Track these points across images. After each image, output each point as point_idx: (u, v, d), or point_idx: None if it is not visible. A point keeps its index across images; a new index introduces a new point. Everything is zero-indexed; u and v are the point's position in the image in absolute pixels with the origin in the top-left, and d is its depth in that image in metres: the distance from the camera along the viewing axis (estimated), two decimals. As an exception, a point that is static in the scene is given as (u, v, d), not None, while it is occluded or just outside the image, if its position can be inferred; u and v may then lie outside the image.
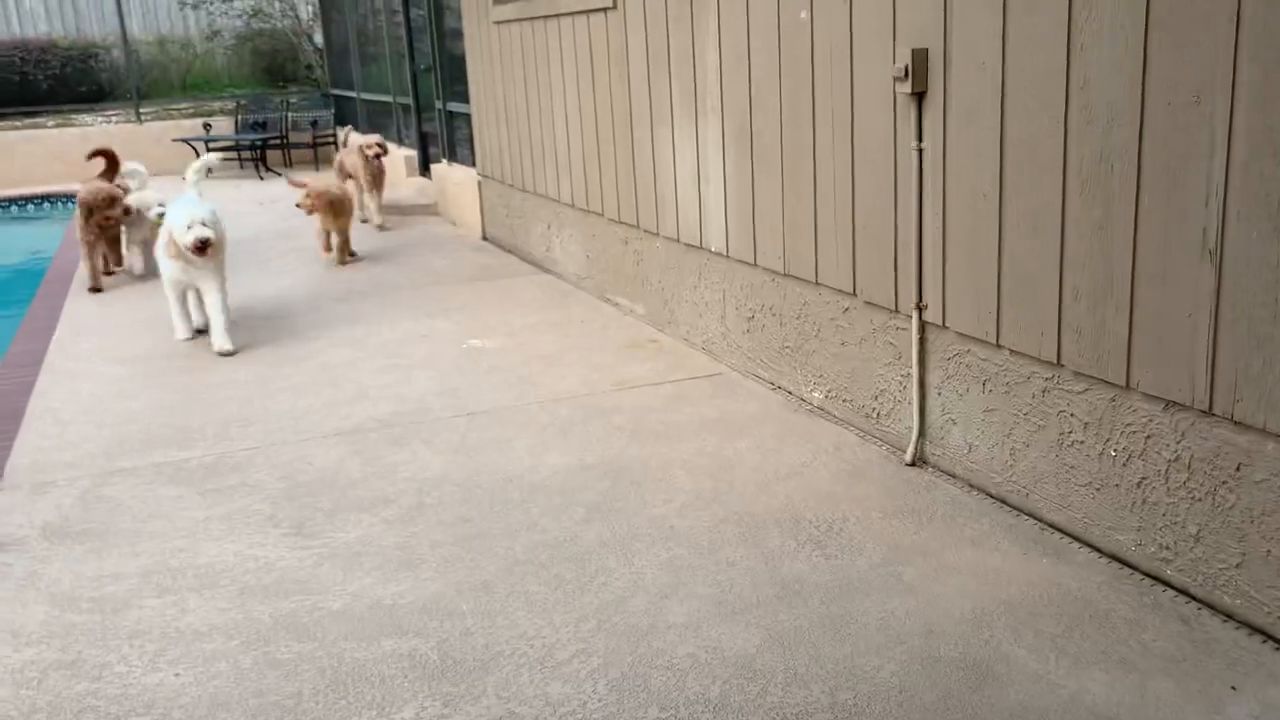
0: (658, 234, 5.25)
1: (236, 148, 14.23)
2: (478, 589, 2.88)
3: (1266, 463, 2.41)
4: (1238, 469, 2.48)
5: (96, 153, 7.57)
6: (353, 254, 7.68)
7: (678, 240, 5.04)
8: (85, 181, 7.29)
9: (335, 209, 7.38)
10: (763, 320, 4.40)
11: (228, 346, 5.28)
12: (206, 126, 14.43)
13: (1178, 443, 2.62)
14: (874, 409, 3.78)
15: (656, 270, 5.35)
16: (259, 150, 13.92)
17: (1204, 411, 2.53)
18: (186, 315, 5.63)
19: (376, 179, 8.96)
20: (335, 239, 7.56)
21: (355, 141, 9.15)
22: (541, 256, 7.06)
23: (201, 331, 5.65)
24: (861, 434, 3.84)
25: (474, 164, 8.32)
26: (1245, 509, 2.48)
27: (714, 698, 2.35)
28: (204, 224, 5.18)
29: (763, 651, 2.52)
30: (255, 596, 2.91)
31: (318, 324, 5.75)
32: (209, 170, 6.15)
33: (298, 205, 7.44)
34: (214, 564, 3.11)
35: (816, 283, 3.98)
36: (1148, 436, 2.70)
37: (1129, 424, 2.75)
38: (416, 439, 4.02)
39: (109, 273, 7.36)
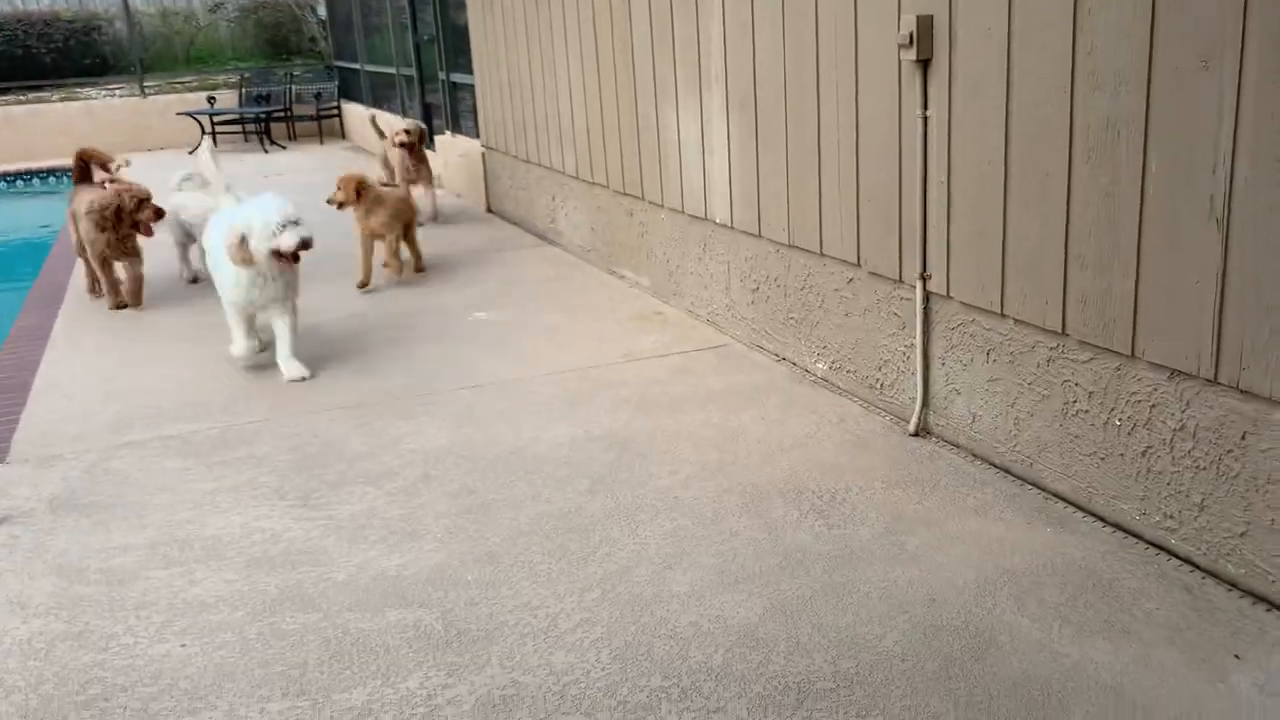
0: (662, 205, 5.23)
1: (241, 121, 14.19)
2: (482, 560, 2.89)
3: (1272, 431, 2.40)
4: (1243, 438, 2.47)
5: (82, 158, 6.12)
6: (420, 268, 6.28)
7: (682, 212, 5.02)
8: (86, 186, 5.96)
9: (379, 207, 5.79)
10: (767, 292, 4.38)
11: (301, 372, 4.43)
12: (211, 100, 14.39)
13: (1183, 412, 2.61)
14: (878, 379, 3.77)
15: (661, 242, 5.33)
16: (263, 123, 13.88)
17: (1209, 380, 2.52)
18: (252, 329, 4.64)
19: (413, 172, 7.53)
20: (390, 246, 5.95)
21: (390, 127, 7.96)
22: (546, 229, 7.04)
23: (264, 349, 4.74)
24: (865, 405, 3.83)
25: (478, 135, 8.28)
26: (1250, 478, 2.47)
27: (716, 666, 2.36)
28: (298, 223, 4.23)
29: (765, 620, 2.53)
30: (261, 568, 2.92)
31: (322, 297, 5.74)
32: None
33: (329, 202, 5.89)
34: (220, 536, 3.12)
35: (821, 253, 3.96)
36: (1153, 406, 2.69)
37: (1134, 393, 2.73)
38: (422, 412, 4.02)
39: (119, 306, 5.83)
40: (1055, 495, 3.04)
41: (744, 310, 4.60)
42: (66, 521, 3.27)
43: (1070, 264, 2.85)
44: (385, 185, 6.36)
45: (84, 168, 6.11)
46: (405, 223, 6.09)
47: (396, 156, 7.65)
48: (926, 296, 3.44)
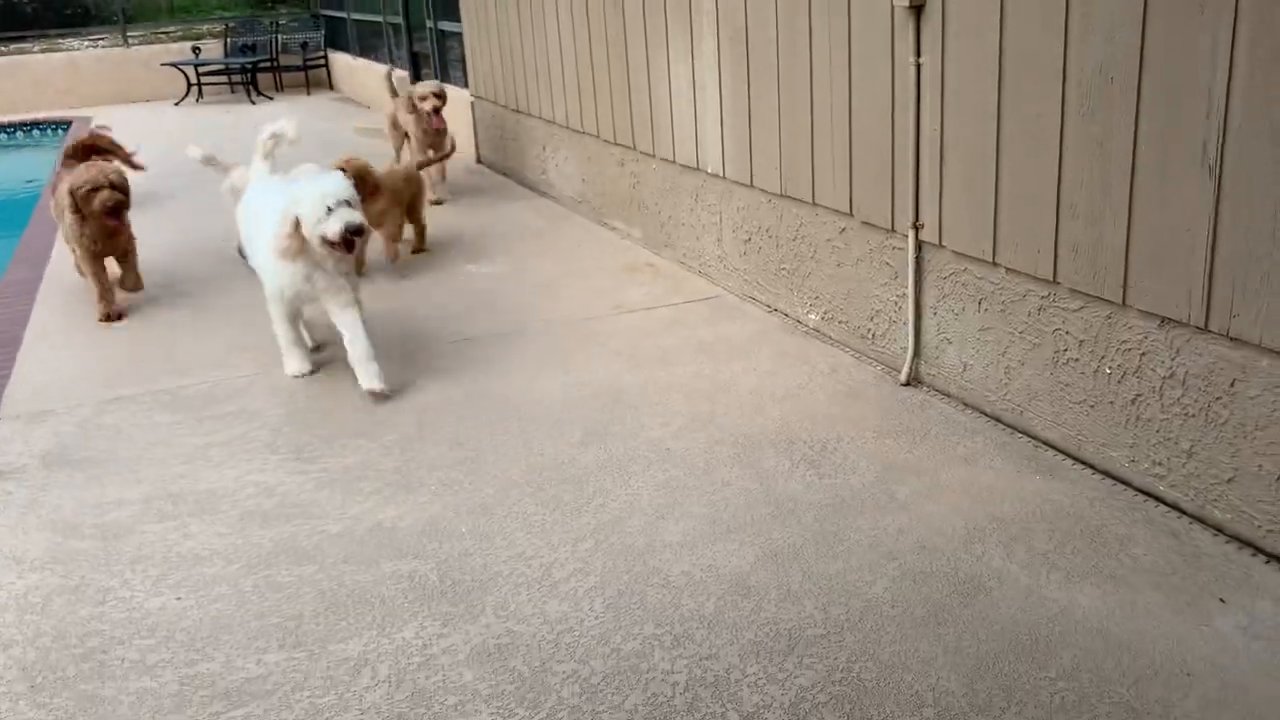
0: (654, 156, 5.19)
1: (226, 71, 14.00)
2: (476, 511, 2.91)
3: (1261, 378, 2.41)
4: (1232, 385, 2.48)
5: (80, 148, 5.15)
6: (422, 248, 5.61)
7: (674, 162, 4.98)
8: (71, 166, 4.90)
9: (375, 196, 5.06)
10: (759, 242, 4.37)
11: (380, 384, 3.70)
12: (195, 50, 14.18)
13: (1172, 359, 2.62)
14: (870, 330, 3.77)
15: (653, 193, 5.29)
16: (249, 74, 13.70)
17: (1199, 328, 2.52)
18: (301, 340, 4.02)
19: (435, 141, 6.53)
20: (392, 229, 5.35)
21: (406, 88, 6.96)
22: (537, 180, 6.98)
23: (318, 349, 4.22)
24: (857, 355, 3.83)
25: (466, 85, 8.18)
26: (1238, 424, 2.48)
27: (709, 614, 2.39)
28: (350, 204, 3.59)
29: (756, 569, 2.55)
30: (255, 521, 2.94)
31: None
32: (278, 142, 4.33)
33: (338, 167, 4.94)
34: (214, 489, 3.13)
35: (813, 203, 3.94)
36: (1143, 353, 2.69)
37: (1124, 341, 2.74)
38: (413, 364, 4.02)
39: (115, 317, 4.80)
40: (1045, 443, 3.06)
41: (736, 261, 4.58)
42: (60, 477, 3.27)
43: (1062, 212, 2.84)
44: (395, 168, 5.57)
45: (88, 154, 5.14)
46: (409, 201, 5.43)
47: (413, 121, 6.63)
48: (919, 246, 3.43)
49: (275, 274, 3.73)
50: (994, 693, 2.09)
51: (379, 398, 3.68)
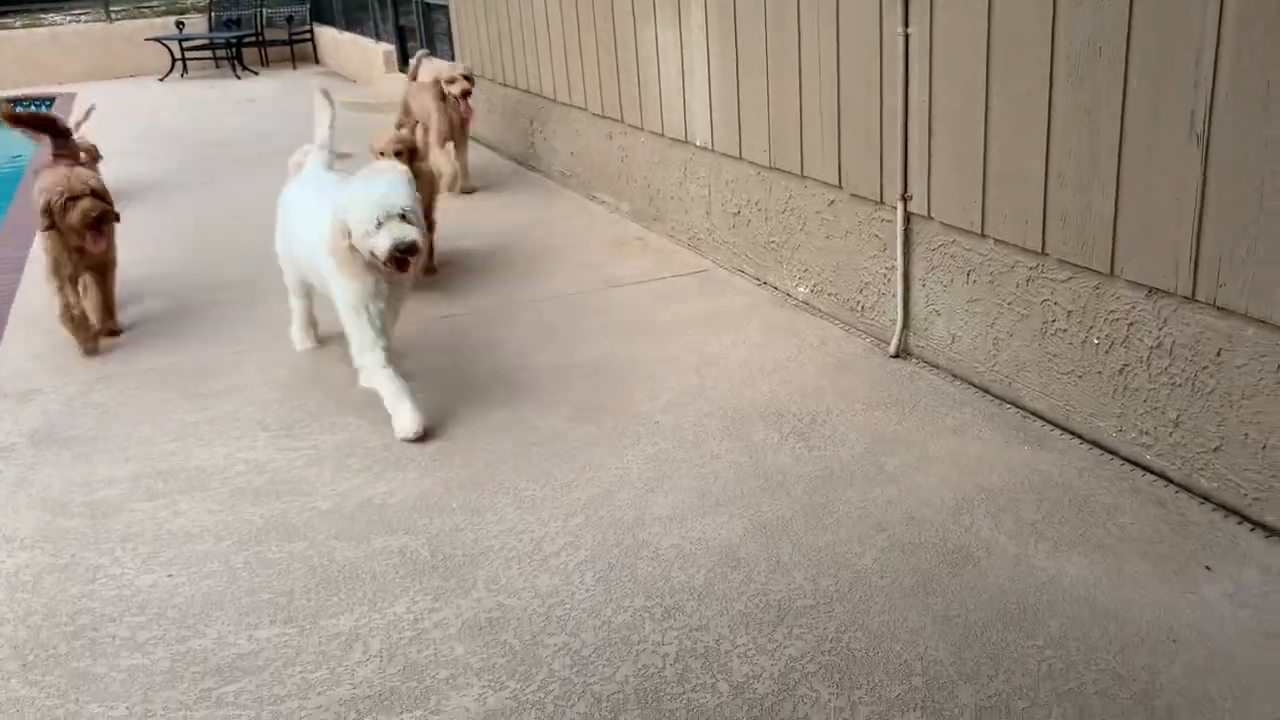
0: (642, 129, 5.16)
1: (211, 46, 13.86)
2: (466, 486, 2.91)
3: (1247, 347, 2.41)
4: (1218, 354, 2.49)
5: (14, 119, 4.40)
6: (429, 269, 4.69)
7: (662, 135, 4.96)
8: (48, 166, 4.11)
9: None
10: (748, 215, 4.35)
11: (413, 427, 3.19)
12: (179, 25, 14.04)
13: (1160, 329, 2.62)
14: (859, 302, 3.77)
15: (642, 166, 5.27)
16: (234, 48, 13.57)
17: (1187, 298, 2.53)
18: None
19: (460, 129, 6.12)
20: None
21: (430, 70, 6.33)
22: (525, 154, 6.95)
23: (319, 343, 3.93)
24: (846, 327, 3.83)
25: (453, 58, 8.12)
26: (1224, 393, 2.49)
27: (699, 586, 2.40)
28: (405, 217, 3.05)
29: (746, 541, 2.56)
30: (246, 498, 2.93)
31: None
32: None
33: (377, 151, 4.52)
34: (204, 467, 3.13)
35: (802, 175, 3.93)
36: (1130, 324, 2.70)
37: (1112, 311, 2.74)
38: (403, 341, 4.01)
39: (106, 334, 4.15)
40: (1033, 414, 3.07)
41: (725, 234, 4.57)
42: (48, 455, 3.26)
43: (1050, 182, 2.83)
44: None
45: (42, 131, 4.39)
46: (424, 206, 4.25)
47: (434, 107, 6.00)
48: (907, 218, 3.43)
49: (345, 285, 3.21)
50: (982, 661, 2.10)
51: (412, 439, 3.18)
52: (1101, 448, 2.86)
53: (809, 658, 2.15)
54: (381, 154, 4.45)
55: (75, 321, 3.99)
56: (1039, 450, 2.89)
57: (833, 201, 3.79)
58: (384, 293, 3.22)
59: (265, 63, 14.16)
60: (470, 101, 6.08)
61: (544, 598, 2.40)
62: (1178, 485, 2.66)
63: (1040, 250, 2.92)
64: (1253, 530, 2.46)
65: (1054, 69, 2.75)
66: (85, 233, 3.86)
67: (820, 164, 3.80)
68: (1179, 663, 2.06)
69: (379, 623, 2.35)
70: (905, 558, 2.46)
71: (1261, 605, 2.21)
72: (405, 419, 3.19)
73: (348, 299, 3.22)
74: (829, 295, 3.93)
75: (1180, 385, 2.60)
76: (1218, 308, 2.46)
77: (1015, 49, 2.86)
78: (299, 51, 14.21)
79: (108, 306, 4.21)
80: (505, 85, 7.03)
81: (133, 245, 5.41)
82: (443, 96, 5.99)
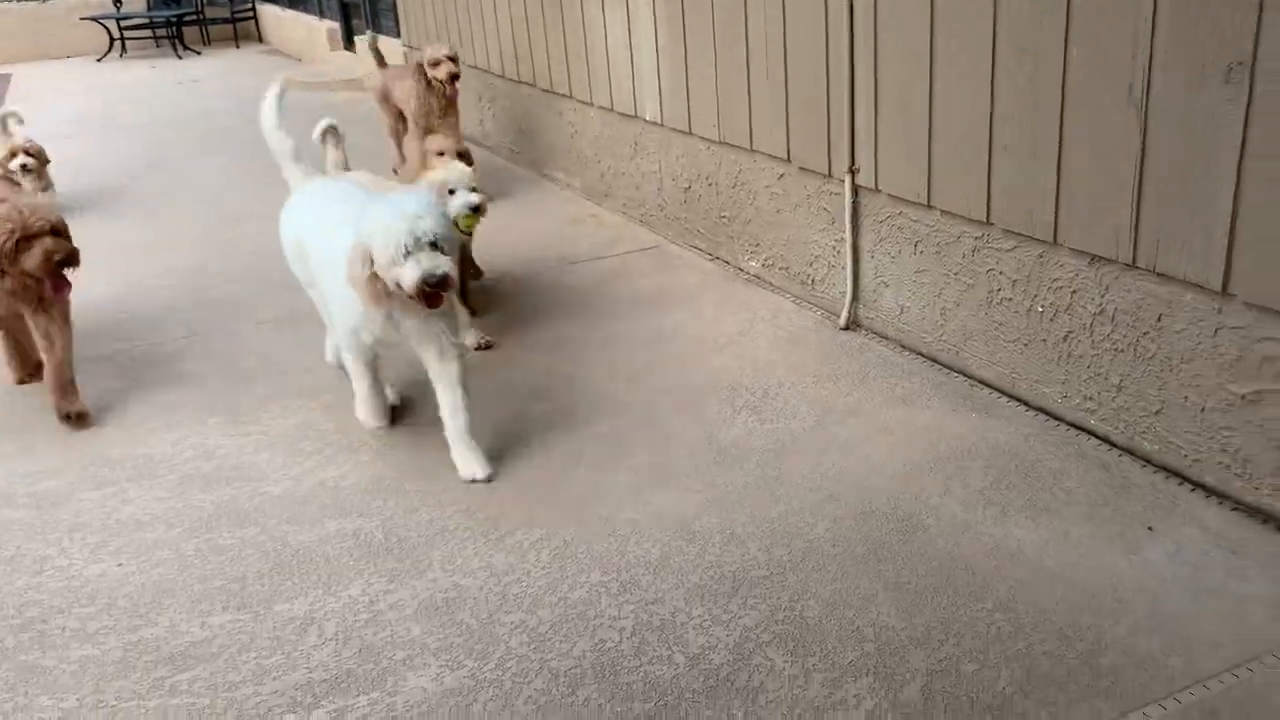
0: (591, 104, 5.13)
1: (150, 25, 13.55)
2: (420, 469, 2.89)
3: (1186, 312, 2.47)
4: (1159, 319, 2.54)
5: None
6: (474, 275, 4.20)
7: (612, 110, 4.94)
8: None
9: None
10: (699, 190, 4.36)
11: (480, 470, 2.82)
12: (117, 4, 13.69)
13: (1102, 296, 2.67)
14: (809, 275, 3.80)
15: (591, 142, 5.24)
16: (174, 27, 13.28)
17: (1128, 265, 2.57)
18: (379, 391, 3.09)
19: (445, 116, 5.46)
20: None
21: (404, 53, 6.11)
22: (474, 131, 6.88)
23: (396, 407, 3.25)
24: (797, 300, 3.86)
25: (399, 35, 8.01)
26: (1165, 358, 2.55)
27: (654, 560, 2.42)
28: (436, 244, 2.60)
29: (701, 514, 2.58)
30: (195, 484, 2.90)
31: (235, 211, 5.58)
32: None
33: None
34: (152, 454, 3.08)
35: (751, 149, 3.93)
36: (1074, 291, 2.74)
37: (1055, 279, 2.79)
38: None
39: (74, 420, 3.26)
40: (981, 382, 3.12)
41: (676, 210, 4.57)
42: (-10, 446, 3.19)
43: (995, 153, 2.86)
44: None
45: None
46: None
47: (414, 93, 5.41)
48: (855, 190, 3.45)
49: (346, 308, 2.82)
50: (932, 625, 2.14)
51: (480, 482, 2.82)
52: (1047, 414, 2.91)
53: (763, 627, 2.17)
54: (441, 154, 4.03)
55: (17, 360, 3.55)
56: (986, 418, 2.94)
57: (782, 175, 3.81)
58: (400, 321, 2.78)
59: (207, 41, 13.89)
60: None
61: (500, 576, 2.40)
62: (1121, 449, 2.72)
63: (985, 220, 2.95)
64: (1193, 491, 2.53)
65: (996, 39, 2.77)
66: (45, 281, 3.15)
67: (769, 138, 3.81)
68: (1123, 622, 2.11)
69: (334, 606, 2.34)
70: (857, 526, 2.49)
71: (1201, 563, 2.27)
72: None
73: (347, 324, 2.87)
74: (780, 269, 3.95)
75: (1123, 351, 2.65)
76: (1158, 274, 2.51)
77: (959, 19, 2.88)
78: (242, 30, 13.94)
79: (58, 366, 3.27)
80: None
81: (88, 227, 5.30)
82: (427, 82, 5.39)
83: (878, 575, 2.31)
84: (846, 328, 3.59)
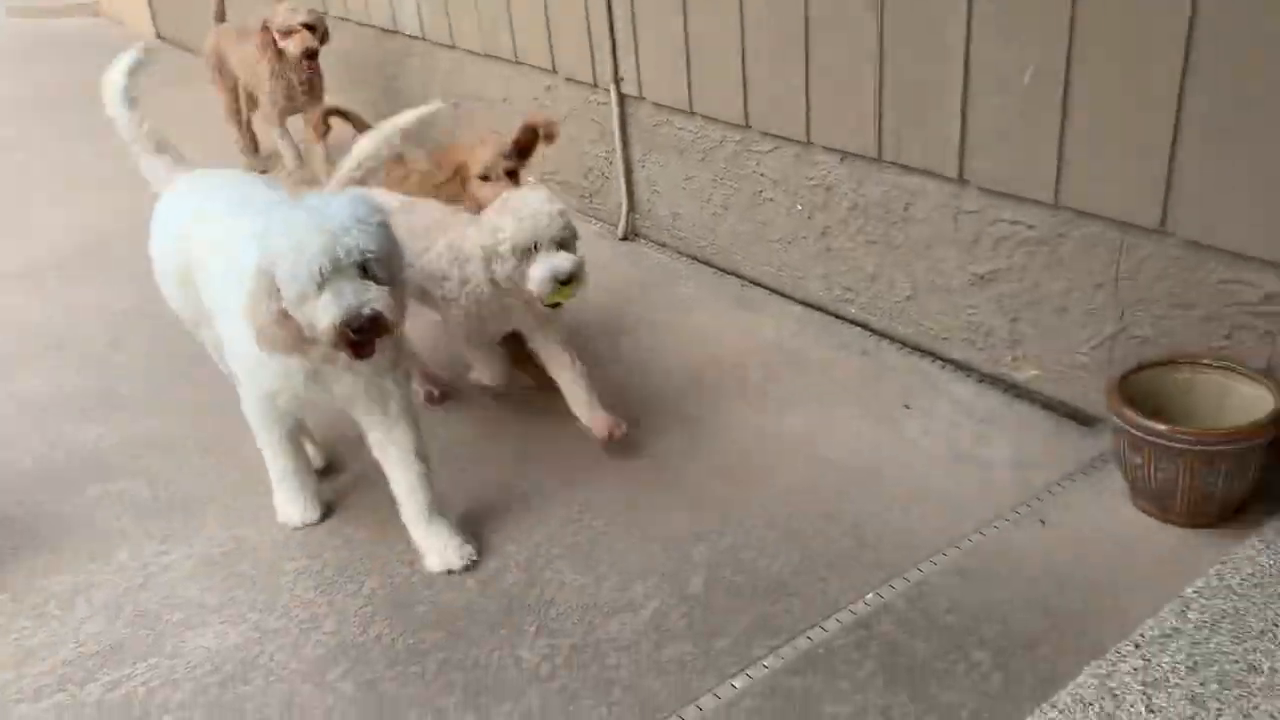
0: (348, 19, 4.88)
1: None
2: (192, 424, 2.74)
3: (928, 200, 2.61)
4: (905, 209, 2.68)
5: None
6: None
7: (369, 25, 4.71)
8: None
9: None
10: (468, 106, 4.24)
11: (458, 558, 2.16)
12: None
13: (855, 191, 2.79)
14: (586, 188, 3.79)
15: (360, 61, 4.99)
16: None
17: (875, 159, 2.69)
18: (304, 467, 2.36)
19: (301, 94, 4.19)
20: None
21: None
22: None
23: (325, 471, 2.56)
24: (579, 214, 3.84)
25: (134, -48, 7.34)
26: (912, 245, 2.70)
27: (441, 489, 2.39)
28: (367, 269, 1.90)
29: (479, 439, 2.57)
30: (-67, 463, 2.66)
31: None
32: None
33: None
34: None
35: (516, 61, 3.85)
36: (828, 188, 2.85)
37: (811, 178, 2.89)
38: (99, 277, 3.69)
39: None
40: (752, 282, 3.22)
41: (444, 124, 4.43)
42: None
43: (748, 58, 2.91)
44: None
45: None
46: None
47: (262, 64, 4.13)
48: (622, 100, 3.44)
49: (254, 368, 2.13)
50: (713, 520, 2.23)
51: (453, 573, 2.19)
52: (813, 307, 3.04)
53: (553, 541, 2.21)
54: (485, 178, 2.73)
55: None
56: (759, 316, 3.04)
57: (549, 87, 3.75)
58: (327, 378, 2.09)
59: None
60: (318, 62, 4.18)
61: (282, 525, 2.33)
62: (879, 334, 2.88)
63: (744, 124, 3.01)
64: (943, 367, 2.71)
65: (741, -58, 2.79)
66: None
67: (533, 49, 3.73)
68: (884, 496, 2.27)
69: (103, 574, 2.21)
70: (644, 435, 2.54)
71: (950, 434, 2.46)
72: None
73: (256, 388, 2.18)
74: (557, 182, 3.92)
75: (875, 242, 2.79)
76: (902, 166, 2.64)
77: (704, -77, 2.88)
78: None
79: None
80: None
81: None
82: (278, 54, 4.10)
83: (661, 484, 2.37)
84: (625, 238, 3.62)
